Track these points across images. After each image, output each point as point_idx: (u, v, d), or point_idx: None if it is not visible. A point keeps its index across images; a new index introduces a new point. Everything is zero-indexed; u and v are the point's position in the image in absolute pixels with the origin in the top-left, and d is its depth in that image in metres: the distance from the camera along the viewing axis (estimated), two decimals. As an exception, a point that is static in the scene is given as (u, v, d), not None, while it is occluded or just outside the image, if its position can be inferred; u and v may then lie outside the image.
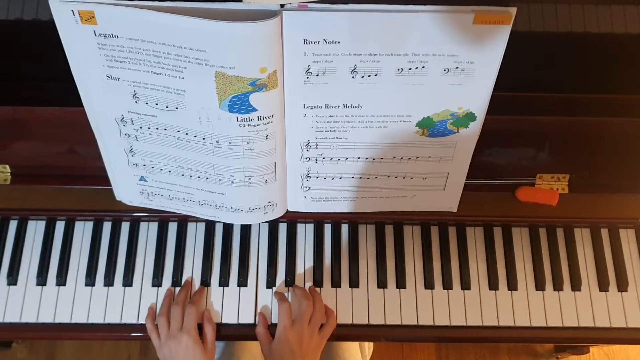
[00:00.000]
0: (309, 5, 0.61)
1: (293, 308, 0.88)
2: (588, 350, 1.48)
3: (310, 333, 0.85)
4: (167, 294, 0.90)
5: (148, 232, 0.94)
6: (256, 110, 0.70)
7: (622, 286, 0.93)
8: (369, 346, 1.14)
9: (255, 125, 0.72)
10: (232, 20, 0.59)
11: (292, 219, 0.95)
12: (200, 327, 0.87)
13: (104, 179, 0.86)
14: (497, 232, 0.96)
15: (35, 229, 0.94)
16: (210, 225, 0.95)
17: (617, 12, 0.79)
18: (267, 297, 0.91)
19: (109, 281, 0.91)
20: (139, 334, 0.90)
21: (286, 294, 0.91)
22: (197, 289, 0.91)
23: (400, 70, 0.68)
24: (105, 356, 1.53)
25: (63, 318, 0.90)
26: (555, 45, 0.83)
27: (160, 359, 0.86)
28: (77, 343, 1.53)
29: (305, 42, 0.64)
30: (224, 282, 0.92)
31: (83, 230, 0.94)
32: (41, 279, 0.91)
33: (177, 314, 0.86)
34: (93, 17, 0.63)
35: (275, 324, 0.87)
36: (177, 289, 0.91)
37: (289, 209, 0.90)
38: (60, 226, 0.95)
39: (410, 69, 0.68)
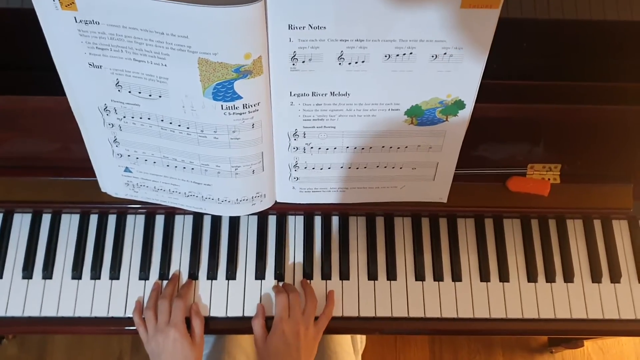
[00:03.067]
0: (293, -11, 0.60)
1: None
2: (582, 344, 1.47)
3: (306, 324, 0.84)
4: (154, 287, 0.89)
5: (135, 225, 0.93)
6: (241, 97, 0.68)
7: (615, 277, 0.92)
8: (361, 339, 1.14)
9: (240, 114, 0.70)
10: (215, 5, 0.58)
11: (282, 211, 0.94)
12: (188, 321, 0.86)
13: (90, 171, 0.85)
14: (489, 223, 0.95)
15: (21, 222, 0.93)
16: (198, 218, 0.93)
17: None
18: (256, 291, 0.90)
19: (95, 274, 0.90)
20: (128, 328, 0.88)
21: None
22: (185, 282, 0.90)
23: (387, 57, 0.67)
24: (97, 352, 1.51)
25: (49, 312, 0.89)
26: (547, 32, 0.82)
27: (148, 353, 0.85)
28: (68, 339, 1.52)
29: (290, 27, 0.63)
30: (212, 275, 0.90)
31: (69, 223, 0.93)
32: (27, 273, 0.90)
33: (164, 307, 0.85)
34: (73, 2, 0.62)
35: (270, 317, 0.86)
36: (165, 282, 0.90)
37: (278, 200, 0.89)
38: (46, 219, 0.93)
39: (397, 55, 0.67)
